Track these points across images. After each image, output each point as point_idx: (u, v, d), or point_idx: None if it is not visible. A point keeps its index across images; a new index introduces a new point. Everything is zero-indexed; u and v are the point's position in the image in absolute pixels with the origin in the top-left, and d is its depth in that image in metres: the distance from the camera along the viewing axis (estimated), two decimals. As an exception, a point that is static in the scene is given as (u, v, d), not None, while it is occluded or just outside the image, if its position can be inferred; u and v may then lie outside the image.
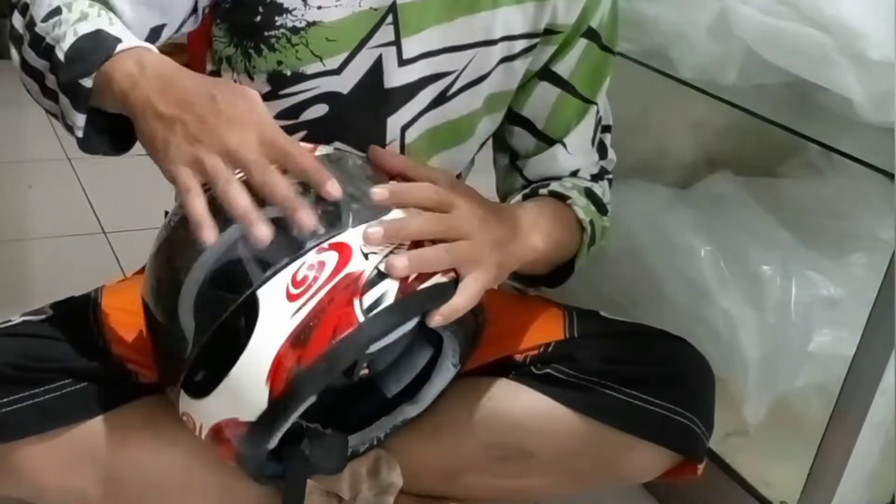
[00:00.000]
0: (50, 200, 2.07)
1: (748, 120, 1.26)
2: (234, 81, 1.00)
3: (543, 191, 1.07)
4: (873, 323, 1.05)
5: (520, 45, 1.04)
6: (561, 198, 1.06)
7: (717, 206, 1.40)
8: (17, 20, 0.93)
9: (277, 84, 0.99)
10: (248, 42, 0.98)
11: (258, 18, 0.96)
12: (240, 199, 0.78)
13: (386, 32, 0.97)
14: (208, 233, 0.77)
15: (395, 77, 1.00)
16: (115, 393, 0.97)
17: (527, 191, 1.09)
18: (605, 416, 1.00)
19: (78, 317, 1.01)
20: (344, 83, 0.99)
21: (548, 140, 1.11)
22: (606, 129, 1.16)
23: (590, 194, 1.10)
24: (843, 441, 1.09)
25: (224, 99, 0.81)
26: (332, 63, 0.98)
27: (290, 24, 0.96)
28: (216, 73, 1.03)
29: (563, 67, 1.08)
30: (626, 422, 1.00)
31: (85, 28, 0.87)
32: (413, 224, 0.85)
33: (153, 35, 0.96)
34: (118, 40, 0.86)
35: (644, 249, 1.39)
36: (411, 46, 0.99)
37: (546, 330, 1.06)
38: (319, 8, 0.95)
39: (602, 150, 1.16)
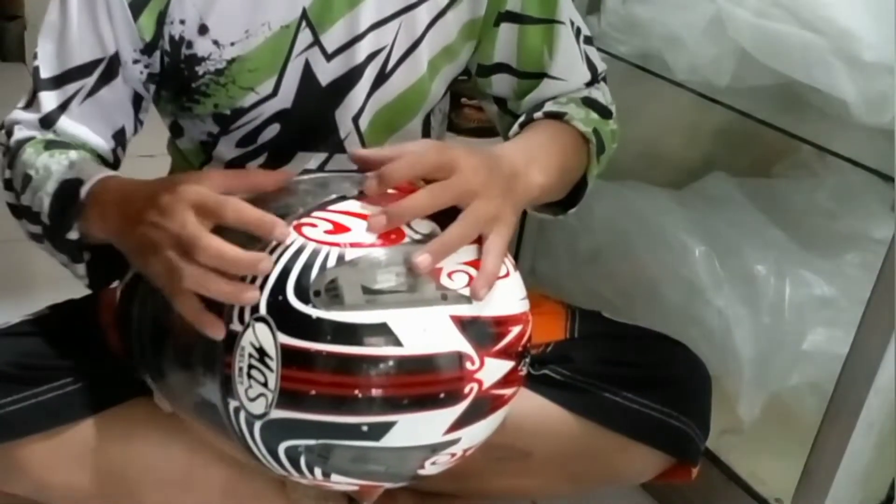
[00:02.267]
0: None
1: (742, 121, 1.27)
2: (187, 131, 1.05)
3: (538, 114, 1.01)
4: (867, 322, 1.05)
5: None
6: (556, 116, 1.00)
7: (712, 207, 1.40)
8: (8, 196, 0.97)
9: (223, 123, 1.01)
10: (184, 99, 1.00)
11: (184, 75, 0.98)
12: (216, 288, 0.75)
13: (304, 38, 0.97)
14: (213, 330, 0.76)
15: (328, 73, 0.99)
16: (116, 390, 0.97)
17: (522, 119, 1.03)
18: (601, 419, 1.00)
19: (77, 315, 1.02)
20: (284, 100, 1.00)
21: (529, 76, 1.06)
22: (588, 40, 1.10)
23: (588, 102, 1.05)
24: (837, 439, 1.09)
25: (157, 194, 0.79)
26: (265, 89, 0.99)
27: (212, 69, 0.97)
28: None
29: (511, 2, 1.03)
30: (622, 424, 1.00)
31: (52, 186, 0.90)
32: (420, 200, 0.78)
33: (119, 139, 1.01)
34: (80, 182, 0.89)
35: (639, 250, 1.39)
36: (332, 39, 0.98)
37: (547, 329, 1.05)
38: (233, 44, 0.96)
39: (591, 65, 1.10)
